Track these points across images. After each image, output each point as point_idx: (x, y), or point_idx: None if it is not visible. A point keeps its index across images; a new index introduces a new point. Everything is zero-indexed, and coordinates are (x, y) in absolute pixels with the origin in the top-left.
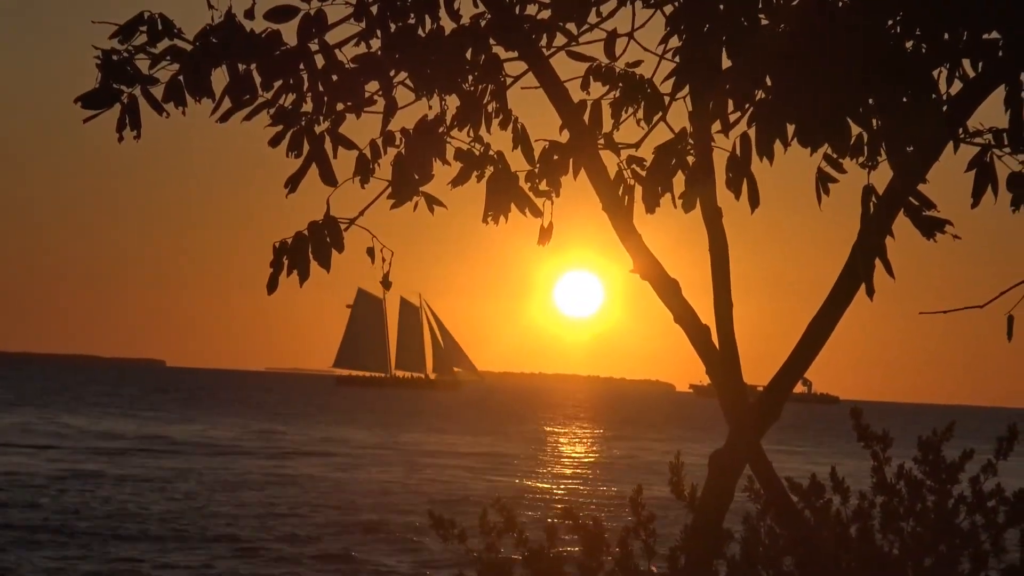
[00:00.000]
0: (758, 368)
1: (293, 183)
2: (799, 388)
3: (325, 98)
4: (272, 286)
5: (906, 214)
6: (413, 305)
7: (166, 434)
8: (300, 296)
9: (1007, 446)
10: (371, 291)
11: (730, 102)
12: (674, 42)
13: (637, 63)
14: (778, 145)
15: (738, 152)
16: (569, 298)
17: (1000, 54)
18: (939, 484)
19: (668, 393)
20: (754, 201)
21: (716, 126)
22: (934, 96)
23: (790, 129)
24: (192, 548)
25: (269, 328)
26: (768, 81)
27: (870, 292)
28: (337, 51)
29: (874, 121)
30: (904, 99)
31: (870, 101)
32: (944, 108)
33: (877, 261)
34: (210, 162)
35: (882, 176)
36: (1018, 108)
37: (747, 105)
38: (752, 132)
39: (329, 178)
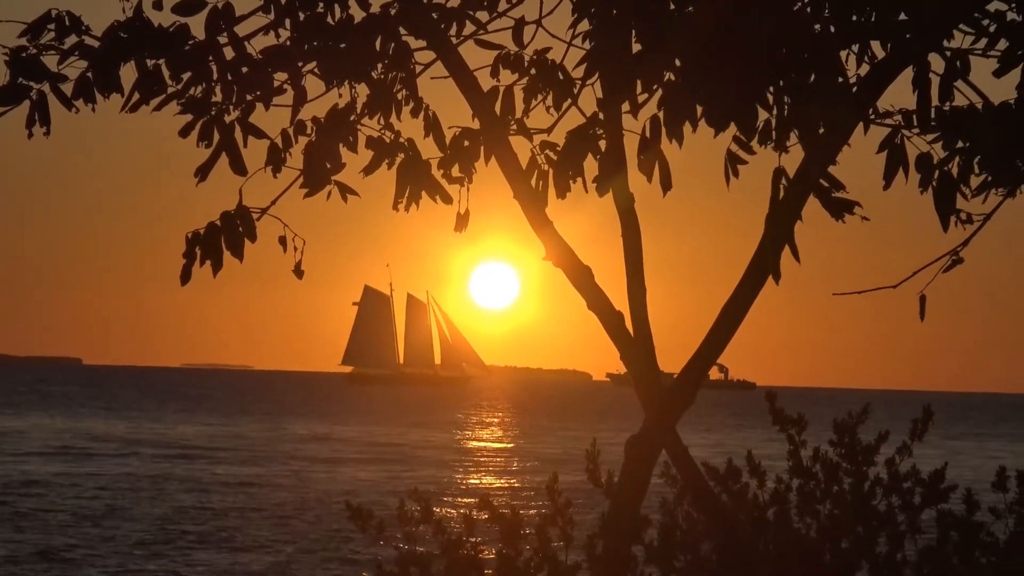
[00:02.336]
0: (673, 355)
1: (203, 172)
2: (716, 375)
3: (235, 88)
4: (185, 277)
5: (816, 195)
6: (420, 301)
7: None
8: (215, 290)
9: (922, 428)
10: (378, 288)
11: (639, 84)
12: (584, 26)
13: (546, 50)
14: (688, 128)
15: (648, 134)
16: (485, 290)
17: (908, 36)
18: (855, 466)
19: (585, 383)
20: (666, 184)
21: (625, 107)
22: (841, 78)
23: (699, 111)
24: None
25: (185, 323)
26: (676, 63)
27: (776, 277)
28: (246, 43)
29: (785, 103)
30: (812, 81)
31: (780, 83)
32: (853, 90)
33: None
34: (120, 154)
35: (791, 159)
36: (926, 89)
37: (655, 87)
38: (661, 114)
39: (239, 167)
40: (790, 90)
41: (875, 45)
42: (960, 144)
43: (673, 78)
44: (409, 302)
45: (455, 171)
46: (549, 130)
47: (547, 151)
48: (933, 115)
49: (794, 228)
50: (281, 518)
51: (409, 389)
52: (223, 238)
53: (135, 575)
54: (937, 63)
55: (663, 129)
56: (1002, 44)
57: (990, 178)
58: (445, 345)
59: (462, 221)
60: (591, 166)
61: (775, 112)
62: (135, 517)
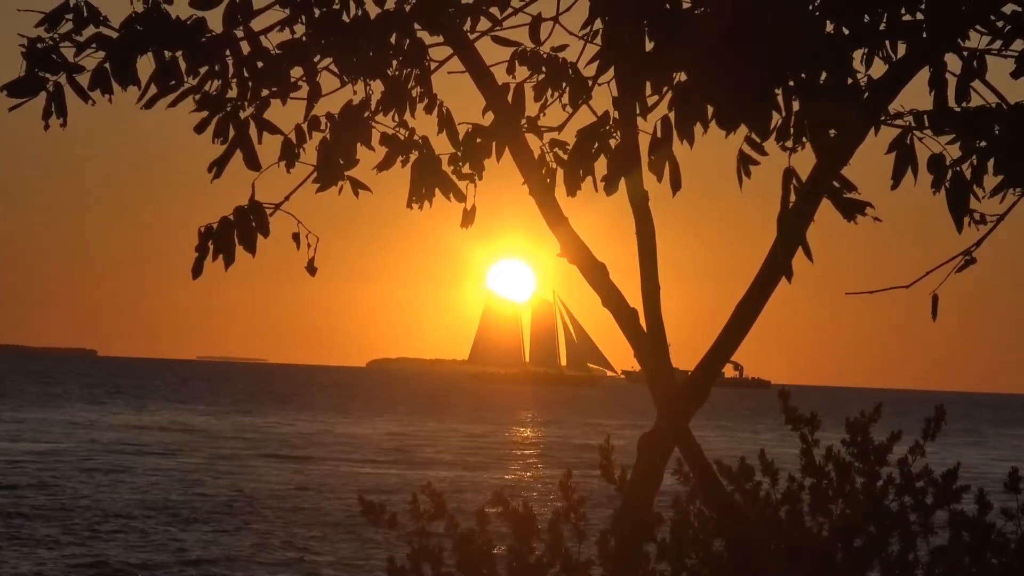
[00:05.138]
0: (687, 352)
1: (218, 167)
2: (731, 373)
3: (250, 84)
4: (197, 271)
5: (828, 197)
6: (547, 301)
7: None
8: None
9: (935, 428)
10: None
11: (648, 84)
12: (598, 25)
13: (562, 47)
14: (699, 128)
15: (659, 135)
16: (502, 288)
17: (924, 35)
18: (868, 466)
19: (595, 378)
20: (676, 184)
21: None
22: (851, 80)
23: (711, 111)
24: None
25: (199, 316)
26: (688, 63)
27: (788, 276)
28: (262, 37)
29: (795, 104)
30: (823, 81)
31: (790, 83)
32: (864, 91)
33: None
34: (137, 148)
35: (805, 159)
36: (942, 89)
37: (665, 88)
38: (672, 115)
39: (253, 163)
40: (800, 91)
41: (887, 46)
42: (976, 143)
43: (684, 78)
44: (535, 302)
45: (465, 168)
46: (560, 128)
47: (556, 149)
48: (948, 115)
49: (806, 230)
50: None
51: (562, 389)
52: (236, 233)
53: None
54: (953, 63)
55: (674, 130)
56: (1018, 44)
57: (1006, 179)
58: (571, 345)
59: (468, 217)
60: (600, 165)
61: (785, 113)
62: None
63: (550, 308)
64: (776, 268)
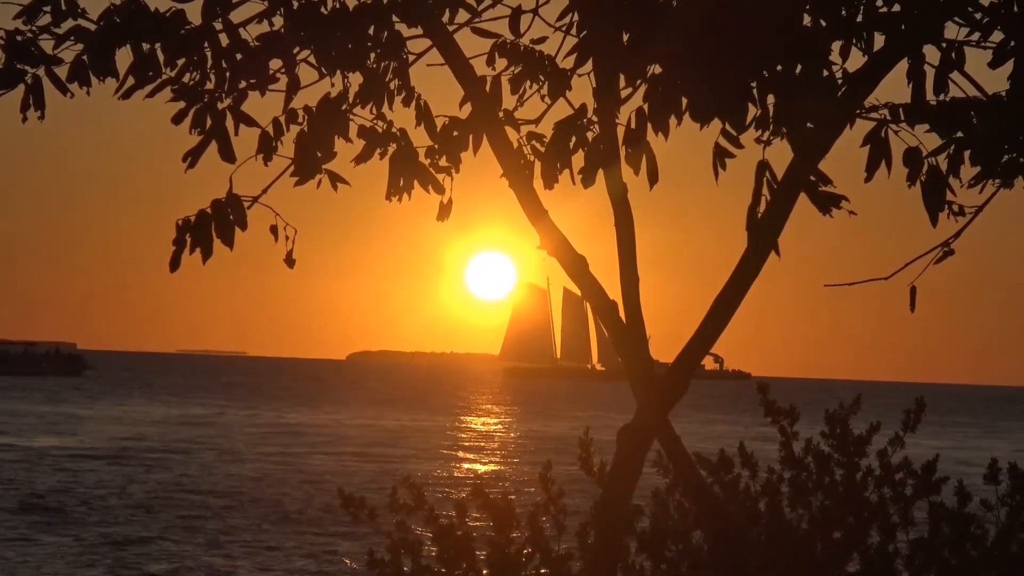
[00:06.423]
0: (667, 345)
1: (193, 158)
2: (711, 365)
3: (228, 76)
4: (174, 264)
5: (803, 190)
6: (577, 296)
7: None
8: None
9: (914, 419)
10: (535, 282)
11: (622, 77)
12: (576, 17)
13: (542, 39)
14: (675, 121)
15: (633, 127)
16: (481, 281)
17: (902, 27)
18: (847, 458)
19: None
20: (653, 177)
21: None
22: (828, 73)
23: (684, 103)
24: None
25: (178, 309)
26: (663, 56)
27: (758, 266)
28: (241, 30)
29: (770, 97)
30: (798, 75)
31: (765, 76)
32: (841, 83)
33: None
34: (115, 139)
35: (780, 151)
36: (920, 81)
37: (639, 81)
38: (646, 107)
39: (228, 154)
40: (776, 84)
41: (864, 38)
42: (953, 135)
43: (658, 71)
44: (566, 296)
45: (443, 161)
46: (537, 121)
47: (534, 142)
48: (924, 108)
49: (783, 225)
50: None
51: (564, 382)
52: (213, 226)
53: None
54: (931, 55)
55: (648, 122)
56: (996, 35)
57: (983, 170)
58: (602, 340)
59: (445, 210)
60: (578, 157)
61: (761, 107)
62: None
63: (581, 302)
64: (756, 260)
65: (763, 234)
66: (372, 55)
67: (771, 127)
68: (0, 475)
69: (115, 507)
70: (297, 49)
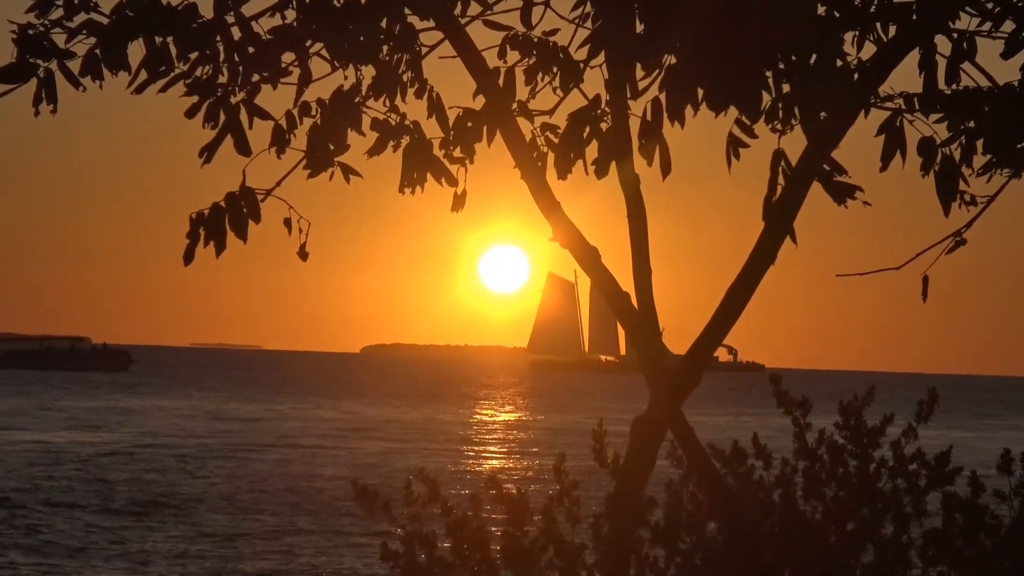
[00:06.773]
0: (680, 336)
1: (209, 152)
2: (725, 357)
3: (241, 69)
4: (188, 258)
5: (818, 180)
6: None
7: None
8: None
9: (927, 410)
10: (562, 275)
11: (638, 67)
12: (589, 8)
13: (554, 31)
14: (690, 111)
15: (649, 117)
16: (495, 274)
17: (914, 17)
18: (860, 449)
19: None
20: (666, 168)
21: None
22: (841, 62)
23: (701, 94)
24: None
25: (191, 303)
26: (678, 45)
27: (772, 259)
28: (253, 23)
29: (784, 86)
30: (812, 64)
31: (780, 66)
32: (855, 73)
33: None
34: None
35: (793, 141)
36: (932, 71)
37: (656, 71)
38: (663, 97)
39: (243, 148)
40: (790, 73)
41: (877, 28)
42: (965, 124)
43: (675, 60)
44: (593, 290)
45: (456, 152)
46: (551, 112)
47: (547, 133)
48: (938, 96)
49: (796, 214)
50: None
51: (593, 375)
52: (227, 219)
53: None
54: (943, 45)
55: (664, 112)
56: (1008, 25)
57: (994, 159)
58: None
59: (459, 201)
60: (591, 148)
61: (775, 96)
62: None
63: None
64: (768, 251)
65: (778, 222)
66: (384, 48)
67: (782, 115)
68: (118, 475)
69: (229, 501)
70: (309, 42)
